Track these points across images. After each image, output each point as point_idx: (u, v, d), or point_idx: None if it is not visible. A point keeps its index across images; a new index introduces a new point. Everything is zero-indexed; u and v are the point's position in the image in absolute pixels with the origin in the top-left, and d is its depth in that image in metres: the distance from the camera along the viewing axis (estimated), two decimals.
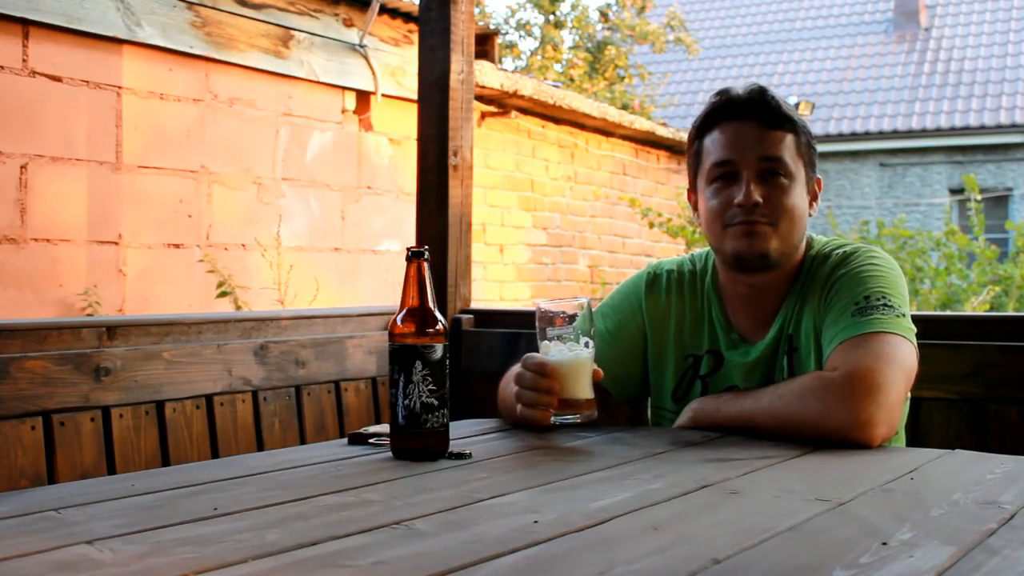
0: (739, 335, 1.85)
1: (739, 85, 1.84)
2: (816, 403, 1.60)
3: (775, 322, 1.81)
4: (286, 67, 4.65)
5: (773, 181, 1.75)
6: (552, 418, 1.64)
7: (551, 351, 1.64)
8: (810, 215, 1.83)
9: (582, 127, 7.38)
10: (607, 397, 1.95)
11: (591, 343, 1.65)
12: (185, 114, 4.27)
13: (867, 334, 1.65)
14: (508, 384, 1.83)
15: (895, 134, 16.01)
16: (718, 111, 1.81)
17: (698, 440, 1.66)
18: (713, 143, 1.80)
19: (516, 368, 1.71)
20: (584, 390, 1.64)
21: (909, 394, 1.76)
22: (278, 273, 4.52)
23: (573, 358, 1.63)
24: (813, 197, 1.84)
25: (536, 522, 1.11)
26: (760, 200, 1.74)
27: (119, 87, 4.00)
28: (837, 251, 1.82)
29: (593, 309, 1.71)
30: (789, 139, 1.77)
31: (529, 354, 1.66)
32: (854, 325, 1.67)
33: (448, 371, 1.50)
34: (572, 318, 1.65)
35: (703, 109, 1.86)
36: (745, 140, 1.77)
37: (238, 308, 4.21)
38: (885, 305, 1.68)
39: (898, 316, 1.68)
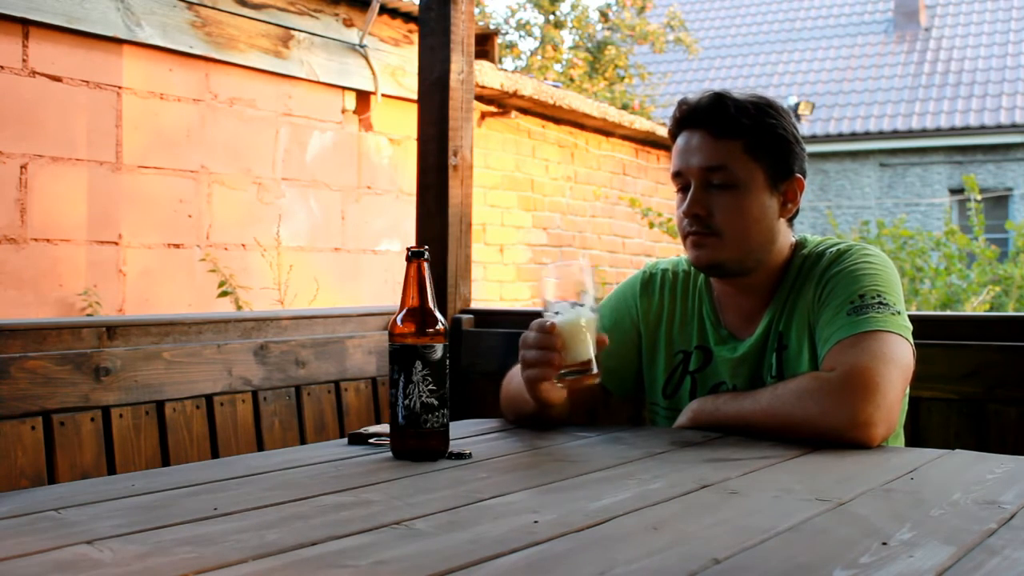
0: (728, 331, 1.86)
1: (699, 91, 1.86)
2: (814, 404, 1.60)
3: (763, 319, 1.82)
4: (286, 67, 4.65)
5: (718, 191, 1.77)
6: (556, 376, 1.62)
7: (554, 310, 1.62)
8: (784, 216, 1.82)
9: (582, 127, 7.38)
10: (607, 396, 1.96)
11: (594, 307, 1.63)
12: (185, 114, 4.27)
13: (863, 333, 1.65)
14: (511, 381, 1.84)
15: (895, 134, 16.01)
16: (677, 121, 1.84)
17: (698, 440, 1.66)
18: (674, 154, 1.84)
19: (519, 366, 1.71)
20: (585, 350, 1.62)
21: (908, 392, 1.76)
22: (278, 273, 4.52)
23: (575, 316, 1.61)
24: (789, 198, 1.82)
25: (536, 522, 1.11)
26: (701, 212, 1.76)
27: (119, 87, 4.00)
28: (831, 249, 1.82)
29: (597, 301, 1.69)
30: (738, 145, 1.76)
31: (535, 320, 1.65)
32: (850, 324, 1.67)
33: (448, 371, 1.50)
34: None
35: None
36: (691, 151, 1.79)
37: (239, 308, 4.21)
38: (880, 303, 1.68)
39: (894, 314, 1.68)
